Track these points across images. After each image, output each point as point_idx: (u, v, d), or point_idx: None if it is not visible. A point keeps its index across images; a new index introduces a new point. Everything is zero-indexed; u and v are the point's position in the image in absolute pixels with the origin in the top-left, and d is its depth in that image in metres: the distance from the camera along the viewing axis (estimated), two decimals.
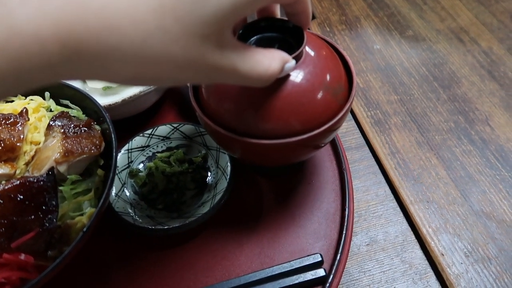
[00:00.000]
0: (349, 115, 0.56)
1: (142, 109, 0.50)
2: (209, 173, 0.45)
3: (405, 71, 0.61)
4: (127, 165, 0.45)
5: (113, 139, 0.37)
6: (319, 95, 0.32)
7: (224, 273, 0.39)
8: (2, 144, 0.36)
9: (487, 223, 0.44)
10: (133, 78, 0.22)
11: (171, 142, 0.47)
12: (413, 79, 0.60)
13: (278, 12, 0.32)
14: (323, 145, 0.37)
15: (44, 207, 0.33)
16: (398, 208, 0.46)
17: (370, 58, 0.63)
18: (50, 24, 0.18)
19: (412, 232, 0.44)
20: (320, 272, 0.37)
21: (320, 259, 0.38)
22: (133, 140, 0.46)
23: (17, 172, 0.36)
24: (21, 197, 0.32)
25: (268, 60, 0.26)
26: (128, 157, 0.45)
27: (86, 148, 0.37)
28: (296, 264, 0.38)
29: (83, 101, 0.41)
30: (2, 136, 0.36)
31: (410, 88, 0.58)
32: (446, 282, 0.40)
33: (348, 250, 0.39)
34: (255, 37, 0.32)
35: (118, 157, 0.44)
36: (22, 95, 0.42)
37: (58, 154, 0.36)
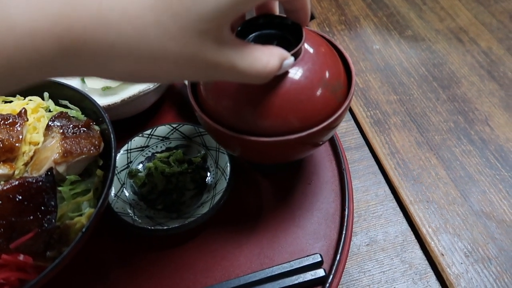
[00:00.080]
0: (349, 115, 0.56)
1: (141, 109, 0.50)
2: (208, 174, 0.45)
3: (405, 71, 0.61)
4: (126, 166, 0.45)
5: (112, 139, 0.37)
6: (318, 93, 0.32)
7: (223, 273, 0.39)
8: (1, 145, 0.35)
9: (487, 223, 0.44)
10: (130, 74, 0.22)
11: (170, 143, 0.47)
12: (412, 79, 0.60)
13: (277, 9, 0.32)
14: (322, 142, 0.37)
15: (43, 208, 0.32)
16: (398, 208, 0.46)
17: (370, 58, 0.63)
18: (46, 20, 0.18)
19: (412, 232, 0.44)
20: (320, 272, 0.37)
21: (319, 259, 0.38)
22: (132, 140, 0.46)
23: (16, 172, 0.36)
24: (20, 197, 0.32)
25: (267, 57, 0.26)
26: (127, 158, 0.45)
27: (85, 149, 0.37)
28: (296, 264, 0.38)
29: (82, 101, 0.41)
30: (1, 136, 0.36)
31: (409, 88, 0.58)
32: (446, 282, 0.40)
33: (348, 250, 0.39)
34: (253, 34, 0.32)
35: (117, 158, 0.44)
36: (21, 95, 0.42)
37: (57, 154, 0.36)
